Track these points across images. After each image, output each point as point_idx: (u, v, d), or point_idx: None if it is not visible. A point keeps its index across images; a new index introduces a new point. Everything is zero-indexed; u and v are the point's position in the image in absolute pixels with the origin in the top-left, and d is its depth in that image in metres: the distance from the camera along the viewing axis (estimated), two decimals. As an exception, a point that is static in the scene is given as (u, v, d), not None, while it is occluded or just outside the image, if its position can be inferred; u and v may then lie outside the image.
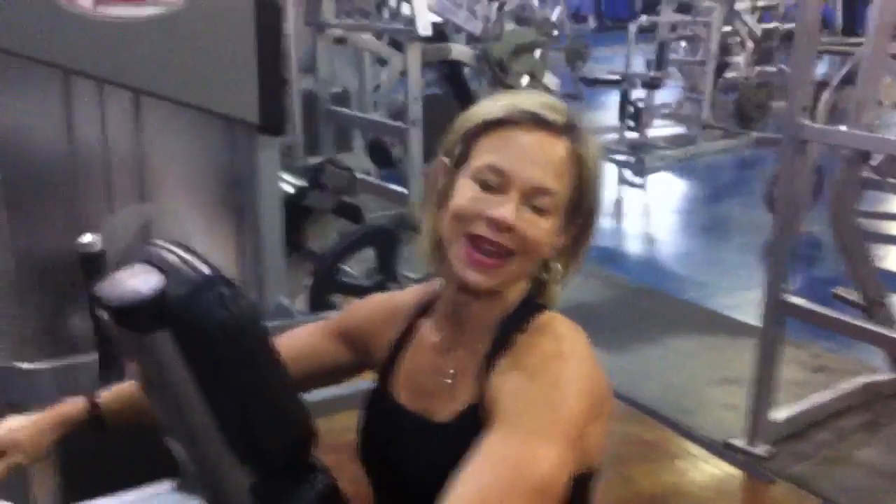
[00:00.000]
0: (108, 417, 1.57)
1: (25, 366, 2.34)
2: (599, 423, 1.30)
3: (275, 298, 2.75)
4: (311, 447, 1.28)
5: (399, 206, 5.24)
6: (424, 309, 1.48)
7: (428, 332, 1.44)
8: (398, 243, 3.14)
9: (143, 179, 2.57)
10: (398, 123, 5.16)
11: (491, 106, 1.32)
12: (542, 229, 1.28)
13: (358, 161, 5.62)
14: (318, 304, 2.98)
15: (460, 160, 1.32)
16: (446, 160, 1.35)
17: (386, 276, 3.08)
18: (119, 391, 1.59)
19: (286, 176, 3.09)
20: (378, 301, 1.61)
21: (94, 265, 1.94)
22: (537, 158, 1.27)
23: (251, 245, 2.74)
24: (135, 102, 2.54)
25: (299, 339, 1.58)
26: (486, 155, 1.28)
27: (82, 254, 1.91)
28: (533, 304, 1.37)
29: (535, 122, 1.28)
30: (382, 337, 1.50)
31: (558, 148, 1.28)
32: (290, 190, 3.11)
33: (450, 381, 1.37)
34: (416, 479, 1.36)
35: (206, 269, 1.18)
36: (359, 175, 4.44)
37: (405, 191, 5.03)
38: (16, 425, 1.53)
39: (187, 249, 1.23)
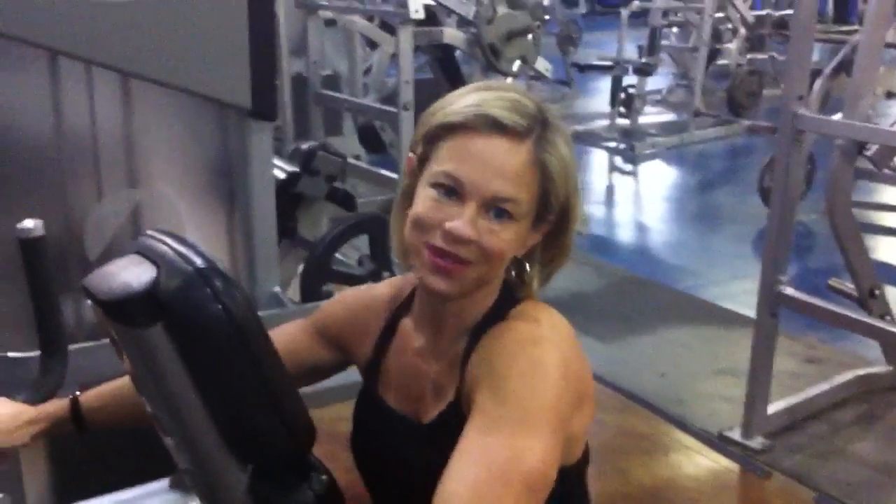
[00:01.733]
0: (89, 417, 1.55)
1: (12, 354, 2.29)
2: (584, 409, 1.28)
3: (267, 287, 2.71)
4: (310, 445, 1.25)
5: (389, 191, 5.20)
6: (403, 304, 1.45)
7: (409, 333, 1.42)
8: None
9: (133, 165, 2.52)
10: (389, 108, 5.12)
11: (453, 105, 1.26)
12: (503, 239, 1.23)
13: (348, 145, 5.57)
14: (311, 293, 2.93)
15: (422, 161, 1.28)
16: (413, 157, 1.31)
17: (379, 264, 3.04)
18: (102, 391, 1.57)
19: (277, 161, 3.04)
20: (352, 297, 1.58)
21: (35, 251, 1.83)
22: (497, 167, 1.21)
23: (243, 233, 2.69)
24: (124, 86, 2.48)
25: (279, 339, 1.53)
26: (444, 162, 1.23)
27: (22, 240, 1.79)
28: (510, 298, 1.34)
29: (495, 127, 1.22)
30: (361, 334, 1.48)
31: (520, 154, 1.22)
32: (282, 176, 3.06)
33: (432, 385, 1.35)
34: (407, 479, 1.34)
35: (199, 261, 1.13)
36: (349, 160, 4.40)
37: (396, 176, 4.99)
38: None
39: (180, 240, 1.19)
